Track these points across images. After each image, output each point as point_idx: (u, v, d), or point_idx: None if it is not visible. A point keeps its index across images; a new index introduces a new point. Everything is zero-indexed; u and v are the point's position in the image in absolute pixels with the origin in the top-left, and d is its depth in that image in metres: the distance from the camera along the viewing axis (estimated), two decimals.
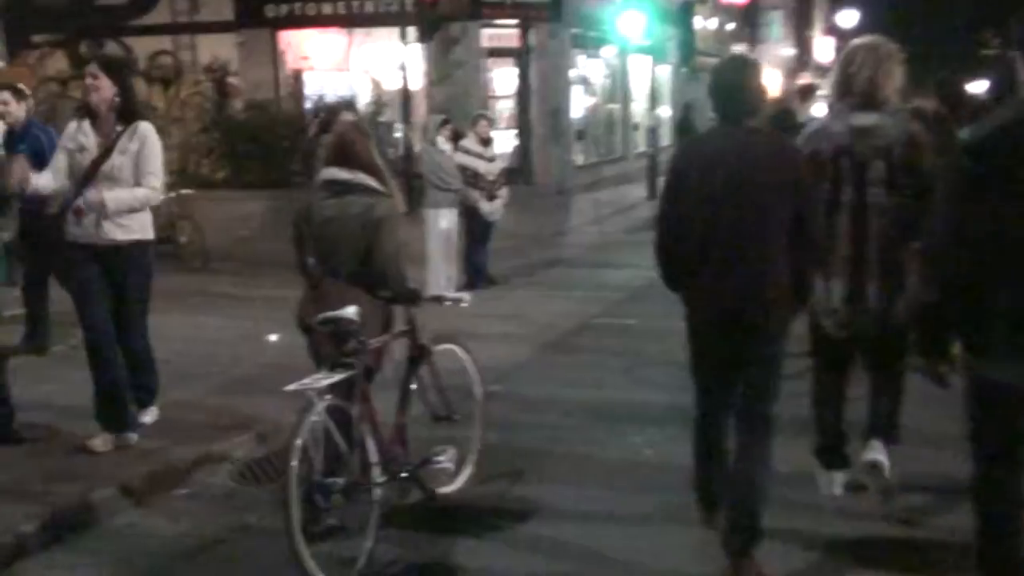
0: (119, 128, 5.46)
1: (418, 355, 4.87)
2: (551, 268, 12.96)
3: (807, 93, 10.67)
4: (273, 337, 8.63)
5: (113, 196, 5.36)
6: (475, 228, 11.07)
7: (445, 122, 10.78)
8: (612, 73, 23.81)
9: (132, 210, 5.46)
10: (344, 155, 4.68)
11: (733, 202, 4.03)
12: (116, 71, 5.52)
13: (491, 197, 11.03)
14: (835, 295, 4.49)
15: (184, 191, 13.29)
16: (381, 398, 4.65)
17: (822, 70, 49.87)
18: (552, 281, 12.01)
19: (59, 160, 5.53)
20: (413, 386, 4.85)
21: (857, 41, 4.64)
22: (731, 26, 32.80)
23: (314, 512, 4.14)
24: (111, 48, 20.01)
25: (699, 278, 4.15)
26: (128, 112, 5.51)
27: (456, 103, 18.49)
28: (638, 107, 25.00)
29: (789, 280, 4.09)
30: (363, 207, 4.58)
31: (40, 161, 5.95)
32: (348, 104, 17.15)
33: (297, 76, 19.77)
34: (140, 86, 20.03)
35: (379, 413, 4.56)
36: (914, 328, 3.62)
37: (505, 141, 19.78)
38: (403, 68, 17.25)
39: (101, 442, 5.56)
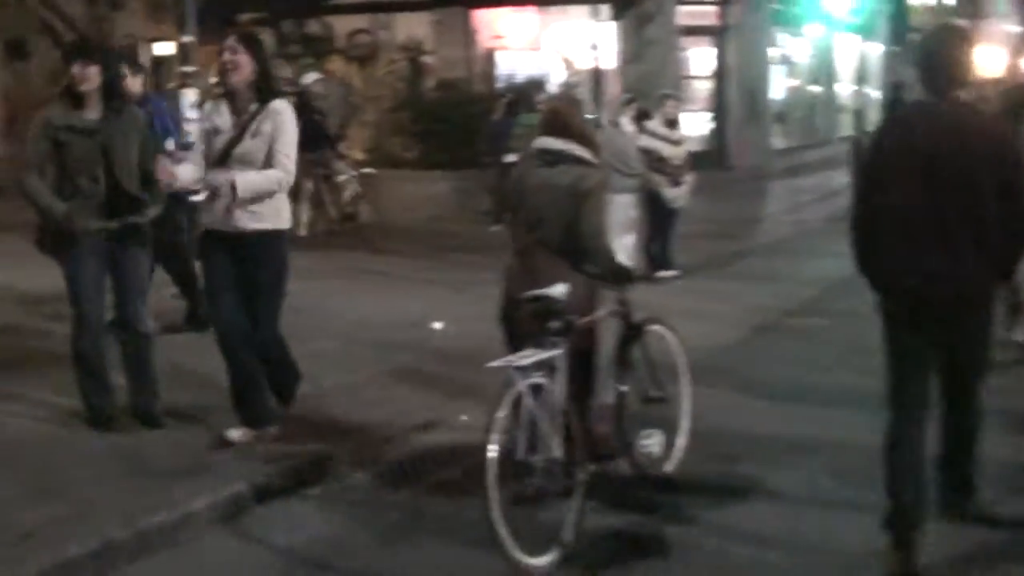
0: (253, 108, 5.11)
1: (630, 334, 4.78)
2: (743, 257, 12.15)
3: None
4: (438, 325, 8.26)
5: (244, 179, 5.01)
6: (658, 215, 10.41)
7: (630, 101, 10.17)
8: (816, 52, 22.41)
9: (264, 194, 5.09)
10: (557, 125, 4.64)
11: (936, 178, 3.85)
12: (255, 46, 5.17)
13: (676, 183, 10.34)
14: None
15: (366, 170, 13.13)
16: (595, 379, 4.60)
17: None
18: (742, 272, 11.23)
19: (199, 147, 5.27)
20: (624, 367, 4.77)
21: None
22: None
23: (515, 489, 4.08)
24: (312, 27, 20.32)
25: (897, 257, 3.96)
26: (265, 90, 5.15)
27: (649, 83, 17.75)
28: (844, 88, 23.52)
29: (993, 256, 3.92)
30: (573, 177, 4.53)
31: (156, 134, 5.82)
32: (537, 84, 16.77)
33: (489, 56, 19.49)
34: (339, 65, 20.27)
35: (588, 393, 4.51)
36: None
37: (700, 123, 18.96)
38: (595, 47, 16.71)
39: (239, 434, 5.28)
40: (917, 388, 4.04)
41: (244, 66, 5.05)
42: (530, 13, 19.23)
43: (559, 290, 4.25)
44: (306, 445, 5.31)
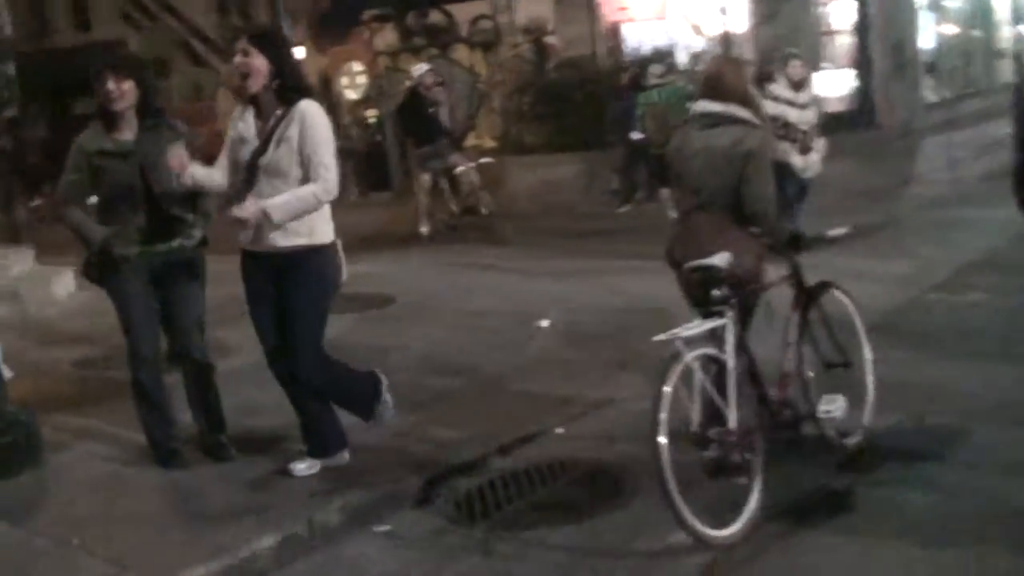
0: (278, 113, 4.59)
1: (805, 300, 4.65)
2: (887, 227, 11.06)
3: None
4: (544, 323, 7.67)
5: (277, 204, 4.49)
6: (786, 188, 9.48)
7: (786, 60, 9.31)
8: None
9: (304, 213, 4.57)
10: (715, 87, 4.53)
11: None
12: (271, 45, 4.62)
13: (804, 150, 9.40)
14: None
15: (483, 160, 12.58)
16: (769, 346, 4.49)
17: None
18: (889, 238, 10.17)
19: (224, 154, 4.79)
20: (799, 332, 4.63)
21: None
22: None
23: (692, 462, 3.98)
24: (434, 17, 19.96)
25: None
26: (288, 91, 4.61)
27: (785, 43, 16.61)
28: (1002, 31, 21.60)
29: None
30: (733, 139, 4.40)
31: None
32: (661, 56, 15.94)
33: (615, 30, 18.69)
34: (463, 52, 19.85)
35: (763, 362, 4.40)
36: None
37: (842, 81, 17.69)
38: (723, 10, 15.73)
39: (304, 466, 4.84)
40: None
41: (260, 69, 4.54)
42: None
43: (722, 258, 4.14)
44: (377, 475, 4.83)
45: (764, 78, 9.59)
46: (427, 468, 4.95)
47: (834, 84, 17.72)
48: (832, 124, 17.39)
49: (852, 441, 4.75)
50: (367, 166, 18.25)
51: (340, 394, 4.89)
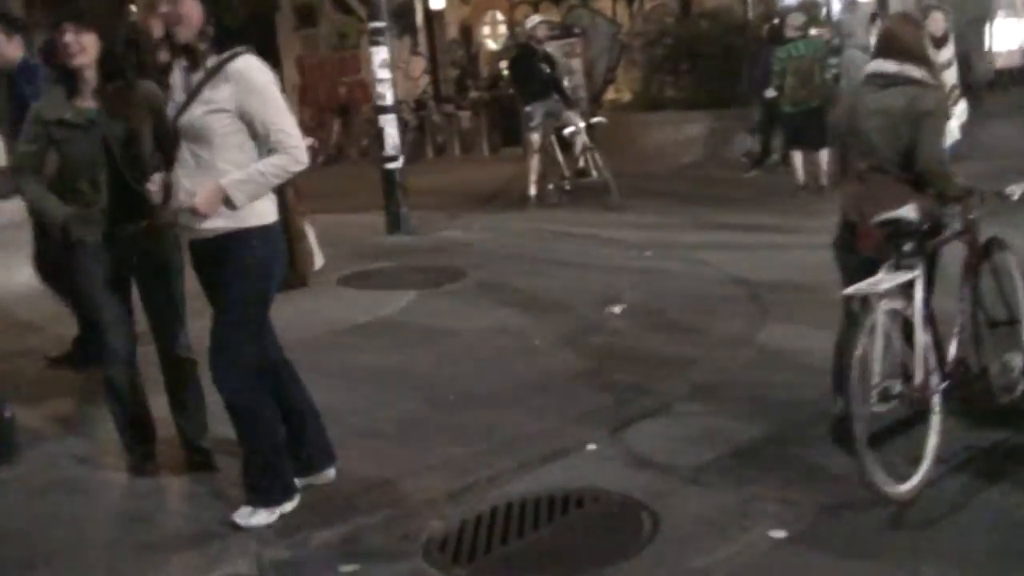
0: (208, 65, 3.80)
1: (976, 255, 4.54)
2: None
3: None
4: (617, 309, 6.81)
5: (236, 183, 3.75)
6: None
7: (874, 17, 8.03)
8: None
9: (264, 191, 3.84)
10: (890, 46, 4.43)
11: None
12: None
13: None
14: None
15: (596, 120, 11.63)
16: (940, 302, 4.33)
17: None
18: None
19: None
20: (973, 290, 4.53)
21: None
22: None
23: (873, 417, 3.94)
24: None
25: None
26: (222, 40, 3.80)
27: None
28: None
29: None
30: (908, 99, 4.28)
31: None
32: (805, 6, 14.56)
33: None
34: (605, 2, 18.80)
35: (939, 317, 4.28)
36: None
37: (1013, 31, 15.81)
38: None
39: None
40: None
41: (189, 8, 3.74)
42: None
43: (910, 210, 4.08)
44: (348, 506, 4.14)
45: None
46: (409, 499, 4.22)
47: (1012, 35, 15.87)
48: (1005, 80, 15.66)
49: (1017, 397, 4.60)
50: (500, 120, 17.57)
51: (253, 435, 4.02)
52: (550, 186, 11.43)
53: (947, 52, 8.10)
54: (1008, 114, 13.21)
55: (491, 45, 20.63)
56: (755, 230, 9.17)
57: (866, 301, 3.95)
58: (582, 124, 11.25)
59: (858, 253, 4.32)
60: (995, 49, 15.43)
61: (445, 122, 18.52)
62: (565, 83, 12.69)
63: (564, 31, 16.71)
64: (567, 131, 11.08)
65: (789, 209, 9.89)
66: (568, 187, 11.38)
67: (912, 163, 4.30)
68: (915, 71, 4.35)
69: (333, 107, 20.73)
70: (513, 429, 4.85)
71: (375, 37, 9.66)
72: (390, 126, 9.58)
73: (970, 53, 13.14)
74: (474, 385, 5.50)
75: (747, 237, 8.93)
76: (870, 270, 4.10)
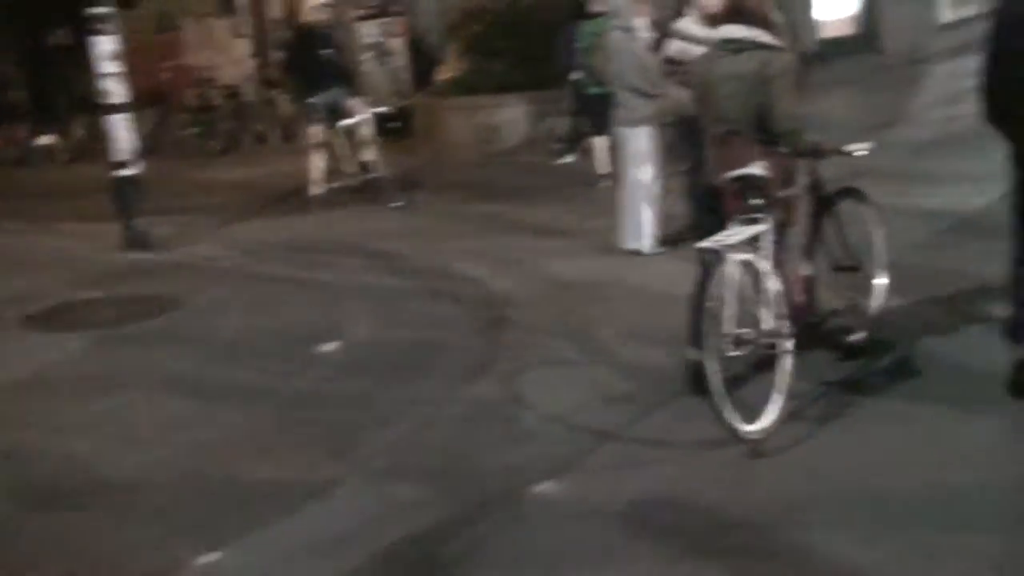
0: None
1: (821, 207, 4.74)
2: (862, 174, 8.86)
3: None
4: (329, 347, 5.75)
5: None
6: (699, 151, 7.34)
7: None
8: None
9: None
10: (739, 12, 4.52)
11: None
12: None
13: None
14: None
15: (381, 109, 10.47)
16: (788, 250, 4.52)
17: None
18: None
19: None
20: (815, 237, 4.75)
21: None
22: None
23: (727, 363, 4.11)
24: None
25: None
26: None
27: None
28: None
29: None
30: (759, 63, 4.42)
31: None
32: None
33: None
34: None
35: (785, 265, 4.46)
36: None
37: (846, 2, 15.17)
38: None
39: None
40: None
41: None
42: None
43: (759, 167, 4.28)
44: None
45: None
46: None
47: (837, 4, 15.21)
48: (831, 50, 15.01)
49: (859, 340, 4.80)
50: None
51: None
52: (334, 184, 10.27)
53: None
54: (833, 85, 12.59)
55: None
56: (540, 233, 8.22)
57: (718, 253, 4.03)
58: (368, 113, 10.10)
59: (722, 214, 4.42)
60: (820, 19, 14.77)
61: (264, 109, 17.13)
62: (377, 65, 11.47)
63: (381, 9, 15.46)
64: (344, 123, 9.92)
65: (583, 205, 8.97)
66: (354, 185, 10.24)
67: (765, 124, 4.40)
68: (763, 36, 4.45)
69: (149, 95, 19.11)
70: (99, 542, 3.75)
71: (97, 24, 8.29)
72: (121, 128, 8.29)
73: (795, 23, 12.41)
74: (82, 475, 4.35)
75: (528, 241, 7.98)
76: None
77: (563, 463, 4.09)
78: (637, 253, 7.09)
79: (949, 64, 14.63)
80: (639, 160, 7.01)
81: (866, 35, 15.11)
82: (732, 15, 4.53)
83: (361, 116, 9.99)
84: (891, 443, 4.01)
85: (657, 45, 7.45)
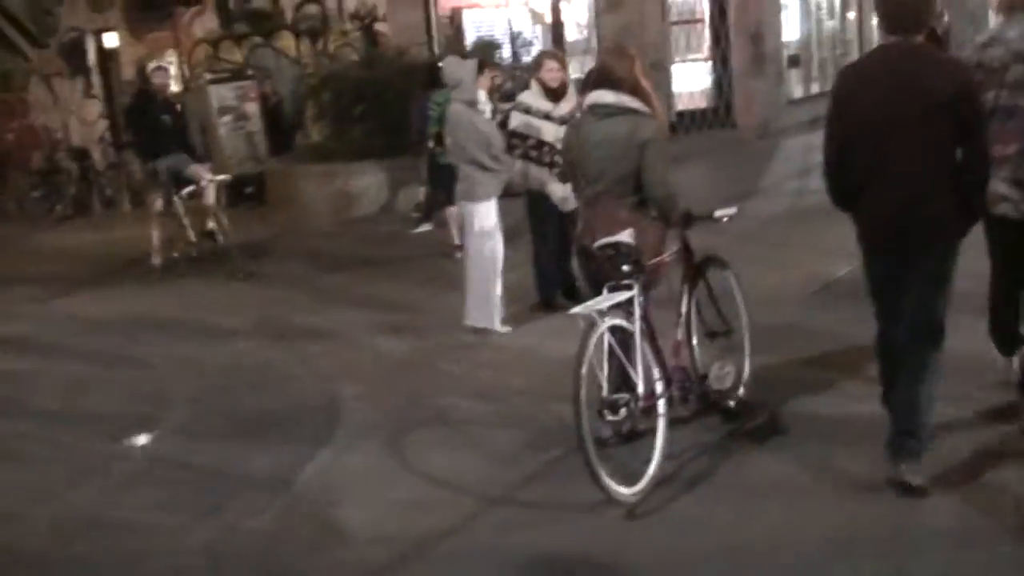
0: None
1: (693, 274, 4.80)
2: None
3: None
4: (141, 439, 5.24)
5: None
6: (546, 224, 7.18)
7: (482, 67, 6.87)
8: None
9: None
10: (607, 78, 4.58)
11: (896, 121, 3.88)
12: None
13: (565, 176, 7.06)
14: (1001, 184, 4.35)
15: (222, 177, 10.01)
16: (660, 317, 4.61)
17: None
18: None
19: None
20: (689, 304, 4.79)
21: None
22: None
23: (604, 427, 4.28)
24: (257, 2, 17.32)
25: (866, 198, 4.04)
26: None
27: (631, 35, 14.36)
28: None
29: (958, 196, 3.93)
30: (629, 128, 4.48)
31: None
32: (482, 47, 13.65)
33: (455, 16, 16.28)
34: (289, 41, 17.29)
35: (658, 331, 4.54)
36: None
37: (701, 76, 15.47)
38: None
39: None
40: (894, 306, 4.10)
41: None
42: None
43: (628, 235, 4.32)
44: None
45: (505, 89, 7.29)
46: None
47: (692, 78, 15.52)
48: (687, 123, 15.27)
49: (734, 402, 4.88)
50: None
51: None
52: (176, 254, 9.74)
53: (567, 106, 7.00)
54: (688, 157, 12.71)
55: (174, 88, 18.64)
56: (386, 307, 7.88)
57: (591, 320, 4.08)
58: (211, 180, 9.65)
59: (592, 275, 4.54)
60: (676, 91, 15.03)
61: (113, 172, 16.41)
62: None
63: (236, 73, 15.03)
64: (186, 191, 9.44)
65: (435, 277, 8.67)
66: (197, 255, 9.73)
67: (637, 188, 4.49)
68: (632, 102, 4.51)
69: None
70: None
71: None
72: None
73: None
74: None
75: (371, 316, 7.63)
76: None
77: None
78: (484, 331, 6.82)
79: (800, 139, 15.06)
80: (483, 236, 6.77)
81: (719, 109, 15.43)
82: (603, 81, 4.58)
83: (204, 183, 9.53)
84: (760, 504, 4.07)
85: (503, 119, 7.30)
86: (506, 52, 14.59)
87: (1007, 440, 4.36)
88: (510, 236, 7.11)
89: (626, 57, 4.69)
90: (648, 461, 4.19)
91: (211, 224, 9.62)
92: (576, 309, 4.13)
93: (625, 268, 4.31)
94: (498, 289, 6.82)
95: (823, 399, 5.03)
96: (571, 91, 7.17)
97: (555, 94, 6.98)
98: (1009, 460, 4.17)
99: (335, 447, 5.07)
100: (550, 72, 6.96)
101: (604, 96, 4.54)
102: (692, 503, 4.14)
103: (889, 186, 3.92)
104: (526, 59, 14.84)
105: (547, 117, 6.96)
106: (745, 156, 13.99)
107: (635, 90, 4.54)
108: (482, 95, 6.70)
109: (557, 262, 7.21)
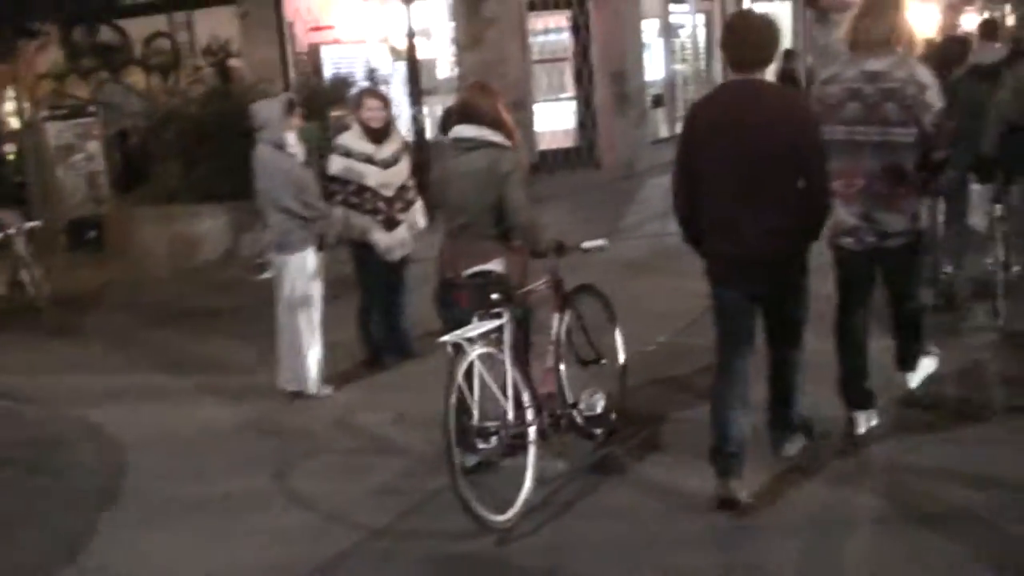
0: None
1: (562, 302, 4.81)
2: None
3: (989, 30, 8.38)
4: None
5: None
6: (369, 275, 6.64)
7: (291, 106, 6.31)
8: (710, 19, 18.49)
9: None
10: (469, 113, 4.65)
11: (739, 155, 4.00)
12: None
13: (391, 223, 6.53)
14: (851, 217, 4.53)
15: (32, 224, 9.18)
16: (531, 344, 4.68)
17: (990, 3, 42.41)
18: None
19: None
20: (559, 332, 4.81)
21: None
22: None
23: (475, 455, 4.30)
24: (105, 34, 16.48)
25: (713, 231, 4.14)
26: None
27: (493, 72, 13.99)
28: None
29: (801, 225, 4.09)
30: (490, 161, 4.54)
31: None
32: (341, 83, 13.15)
33: (314, 52, 15.71)
34: (138, 76, 16.47)
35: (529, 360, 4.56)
36: None
37: (565, 115, 15.18)
38: (410, 33, 12.90)
39: None
40: (740, 337, 4.24)
41: None
42: None
43: (498, 264, 4.43)
44: None
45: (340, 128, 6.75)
46: None
47: (556, 117, 15.22)
48: (551, 163, 14.95)
49: (602, 430, 4.90)
50: None
51: None
52: None
53: (391, 147, 6.49)
54: (551, 197, 12.35)
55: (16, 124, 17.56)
56: (206, 367, 7.21)
57: (460, 348, 4.08)
58: (21, 227, 8.84)
59: (456, 307, 4.49)
60: (540, 131, 14.70)
61: None
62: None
63: (76, 110, 14.13)
64: None
65: (268, 331, 8.01)
66: (6, 308, 8.88)
67: (500, 220, 4.53)
68: (493, 135, 4.58)
69: None
70: None
71: None
72: None
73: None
74: None
75: (188, 378, 6.96)
76: (467, 321, 4.28)
77: None
78: (299, 395, 6.23)
79: (664, 179, 14.88)
80: (296, 291, 6.18)
81: (583, 149, 15.16)
82: (465, 116, 4.65)
83: (12, 230, 8.71)
84: (631, 527, 4.15)
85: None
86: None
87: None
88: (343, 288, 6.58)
89: (488, 93, 4.78)
90: (520, 488, 4.23)
91: (23, 275, 8.78)
92: (445, 337, 4.14)
93: (495, 296, 4.33)
94: (316, 349, 6.23)
95: (695, 423, 4.91)
96: (395, 131, 6.68)
97: (377, 135, 6.46)
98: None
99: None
100: (371, 111, 6.44)
101: (466, 130, 4.61)
102: (564, 528, 4.19)
103: (734, 219, 4.04)
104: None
105: (369, 160, 6.43)
106: (607, 197, 13.70)
107: (497, 124, 4.62)
108: (291, 137, 6.12)
109: (385, 316, 6.68)
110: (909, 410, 5.00)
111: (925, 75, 4.43)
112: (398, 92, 13.27)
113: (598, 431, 4.89)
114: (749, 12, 4.42)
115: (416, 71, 12.78)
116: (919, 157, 4.43)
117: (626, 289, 7.34)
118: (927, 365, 5.06)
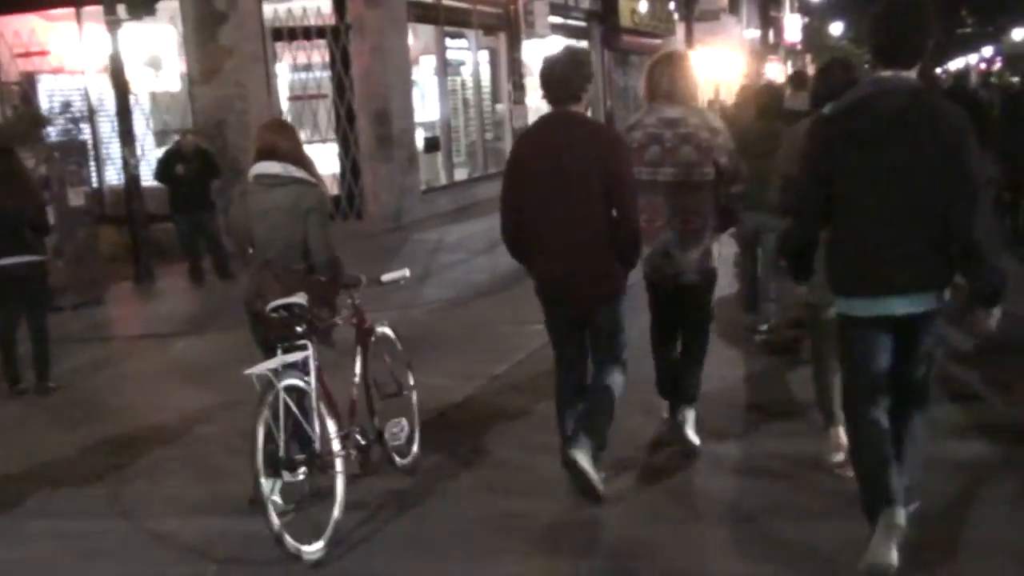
0: None
1: (364, 336, 4.89)
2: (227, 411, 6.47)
3: (799, 81, 8.62)
4: None
5: None
6: None
7: None
8: (494, 56, 16.98)
9: None
10: (272, 150, 4.67)
11: (557, 182, 4.27)
12: None
13: None
14: (654, 254, 4.80)
15: None
16: (335, 377, 4.65)
17: (792, 53, 43.30)
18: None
19: None
20: (364, 364, 4.87)
21: (657, 54, 5.09)
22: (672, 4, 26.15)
23: (283, 485, 4.29)
24: None
25: (537, 259, 4.45)
26: None
27: (231, 109, 11.99)
28: (535, 101, 18.18)
29: (615, 251, 4.35)
30: (294, 198, 4.60)
31: None
32: (33, 119, 11.02)
33: (27, 81, 13.37)
34: None
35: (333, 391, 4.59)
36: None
37: (324, 159, 13.24)
38: (117, 62, 10.70)
39: None
40: (570, 350, 4.61)
41: None
42: (71, 21, 13.14)
43: (302, 297, 4.39)
44: None
45: None
46: None
47: (321, 162, 13.29)
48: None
49: (409, 457, 5.08)
50: None
51: None
52: None
53: None
54: None
55: None
56: None
57: (267, 380, 4.09)
58: None
59: (264, 339, 4.53)
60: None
61: None
62: None
63: None
64: None
65: None
66: None
67: (305, 254, 4.60)
68: (298, 171, 4.62)
69: None
70: None
71: None
72: None
73: None
74: None
75: None
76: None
77: None
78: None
79: (436, 232, 13.10)
80: None
81: (343, 198, 13.28)
82: (267, 153, 4.64)
83: None
84: (440, 555, 4.18)
85: None
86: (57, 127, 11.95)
87: None
88: None
89: (286, 129, 4.83)
90: (329, 517, 4.24)
91: None
92: (251, 370, 4.13)
93: (299, 329, 4.32)
94: None
95: (505, 450, 5.28)
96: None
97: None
98: None
99: None
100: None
101: (270, 167, 4.60)
102: (372, 556, 4.24)
103: (556, 243, 4.32)
104: (83, 136, 12.21)
105: None
106: (368, 253, 11.80)
107: (299, 161, 4.65)
108: None
109: None
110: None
111: (716, 121, 4.89)
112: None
113: (404, 460, 5.03)
114: (569, 49, 4.58)
115: (126, 107, 10.63)
116: (716, 195, 4.77)
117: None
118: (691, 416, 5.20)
